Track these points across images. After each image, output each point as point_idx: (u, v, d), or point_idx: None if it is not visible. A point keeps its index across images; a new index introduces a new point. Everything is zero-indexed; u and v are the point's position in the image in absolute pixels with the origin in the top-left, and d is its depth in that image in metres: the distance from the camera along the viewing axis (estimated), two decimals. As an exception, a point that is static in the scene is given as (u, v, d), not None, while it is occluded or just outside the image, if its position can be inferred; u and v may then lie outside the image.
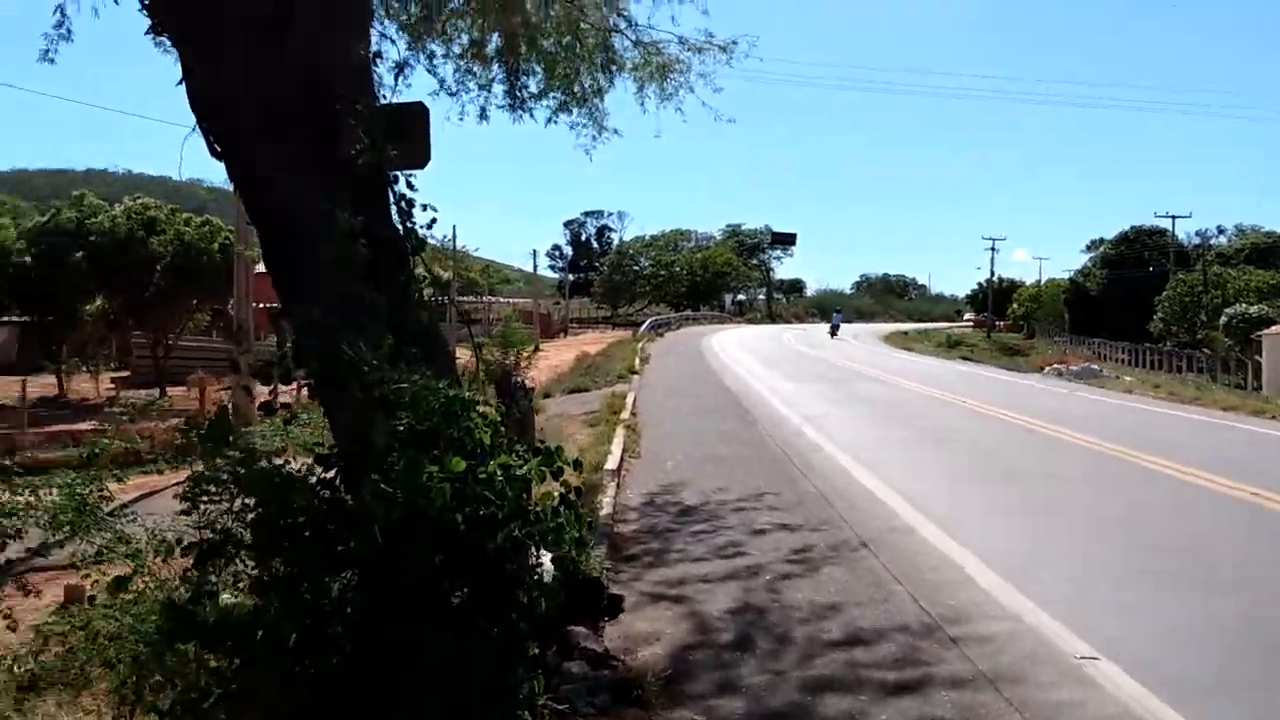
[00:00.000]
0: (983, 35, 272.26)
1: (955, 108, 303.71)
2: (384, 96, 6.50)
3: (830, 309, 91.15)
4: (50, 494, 7.80)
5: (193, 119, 5.81)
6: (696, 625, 6.96)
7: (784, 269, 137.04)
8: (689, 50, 11.70)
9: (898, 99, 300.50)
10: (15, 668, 6.33)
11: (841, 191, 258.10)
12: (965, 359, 51.76)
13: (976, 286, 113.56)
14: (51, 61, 8.65)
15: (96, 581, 7.12)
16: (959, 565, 8.53)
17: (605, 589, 6.99)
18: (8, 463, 16.55)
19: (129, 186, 77.12)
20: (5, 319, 43.73)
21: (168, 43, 6.20)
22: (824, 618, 7.11)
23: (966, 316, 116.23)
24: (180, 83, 5.77)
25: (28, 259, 35.65)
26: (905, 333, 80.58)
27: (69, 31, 8.56)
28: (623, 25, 11.41)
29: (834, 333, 68.14)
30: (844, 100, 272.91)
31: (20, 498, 7.56)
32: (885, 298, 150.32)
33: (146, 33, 6.09)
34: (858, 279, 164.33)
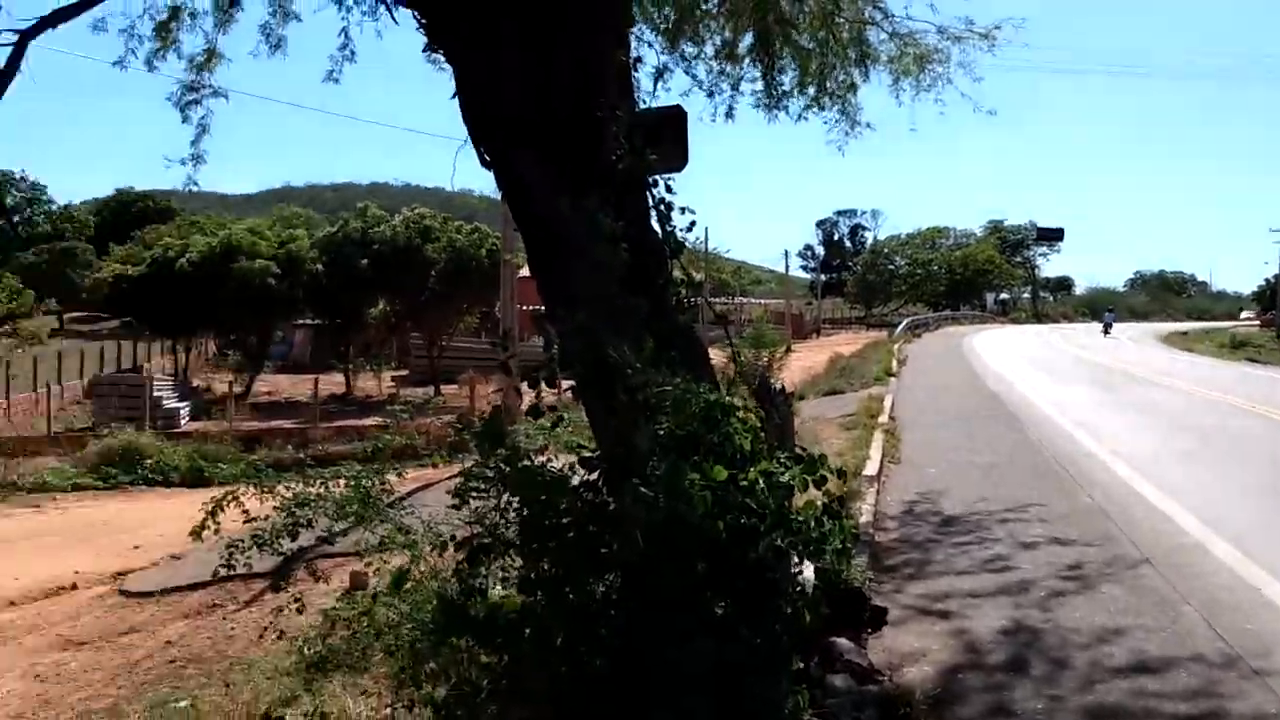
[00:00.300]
0: (1267, 15, 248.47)
1: (1239, 93, 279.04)
2: (642, 101, 6.58)
3: (1101, 308, 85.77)
4: (338, 486, 8.42)
5: (465, 131, 6.09)
6: (964, 643, 6.62)
7: (1050, 266, 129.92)
8: (948, 39, 11.20)
9: (1175, 85, 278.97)
10: (305, 649, 6.84)
11: (1113, 184, 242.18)
12: (1251, 360, 47.12)
13: (1263, 282, 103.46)
14: (336, 81, 9.32)
15: (378, 570, 7.61)
16: (1255, 587, 7.73)
17: (868, 600, 6.77)
18: (302, 456, 18.06)
19: (407, 198, 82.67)
20: (301, 322, 47.77)
21: (442, 59, 6.52)
22: (1105, 640, 6.59)
23: (1244, 315, 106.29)
24: (454, 96, 6.05)
25: (319, 267, 38.69)
26: (1184, 332, 74.41)
27: (352, 53, 9.18)
28: (878, 17, 11.08)
29: (1106, 332, 64.07)
30: (1116, 87, 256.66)
31: (312, 489, 8.21)
32: (1161, 295, 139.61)
33: (424, 50, 6.41)
34: (1131, 276, 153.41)
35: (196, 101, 8.94)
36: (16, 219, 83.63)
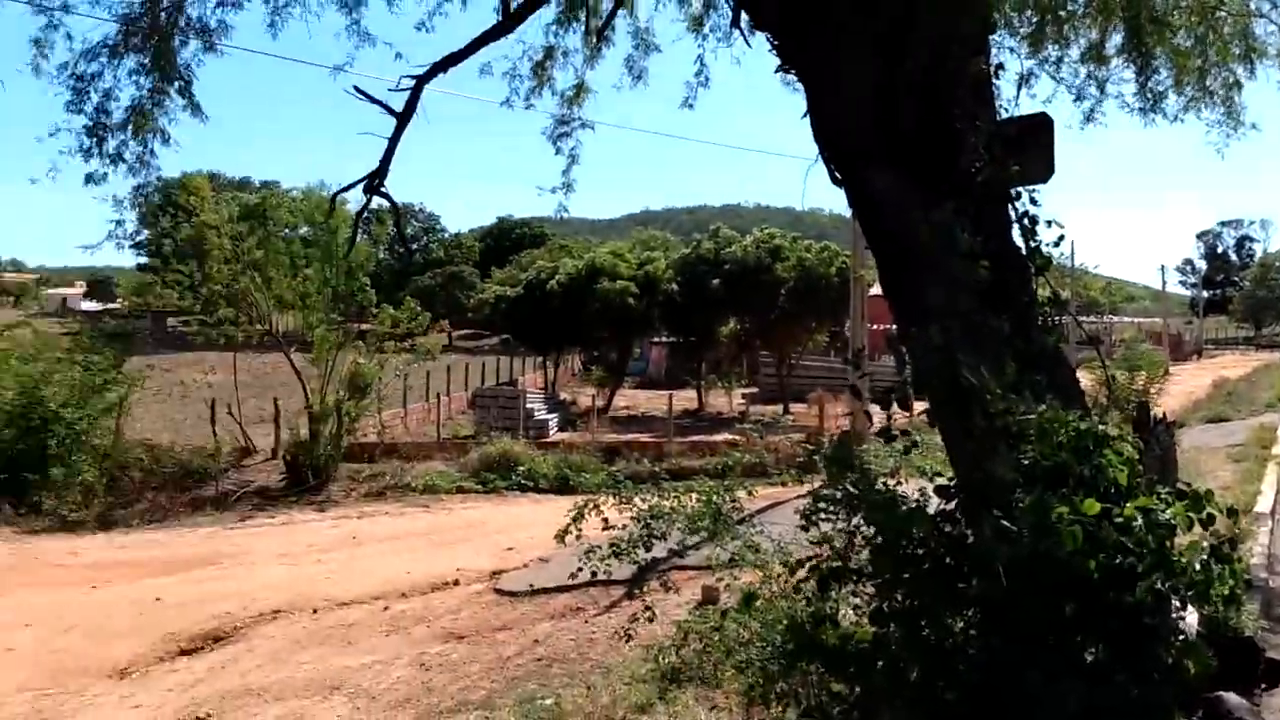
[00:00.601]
0: None
1: None
2: (1004, 109, 6.27)
3: None
4: (690, 500, 8.64)
5: (815, 150, 6.07)
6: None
7: None
8: (1351, 27, 9.83)
9: None
10: (660, 658, 7.04)
11: None
12: None
13: None
14: (691, 107, 9.68)
15: (728, 585, 7.72)
16: None
17: (1261, 652, 6.02)
18: (657, 469, 18.75)
19: (757, 218, 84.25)
20: (657, 339, 49.79)
21: (794, 79, 6.55)
22: None
23: None
24: (805, 115, 6.06)
25: (674, 287, 40.13)
26: None
27: (707, 79, 9.49)
28: (1266, 8, 9.93)
29: None
30: None
31: (666, 503, 8.48)
32: None
33: (776, 71, 6.47)
34: None
35: (567, 134, 9.60)
36: (415, 247, 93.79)
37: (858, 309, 22.99)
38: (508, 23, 7.95)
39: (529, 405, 32.86)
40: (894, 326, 5.74)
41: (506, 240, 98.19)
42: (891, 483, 4.46)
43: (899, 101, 5.54)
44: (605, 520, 9.48)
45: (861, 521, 4.15)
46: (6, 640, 10.60)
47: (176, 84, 8.30)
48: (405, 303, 27.65)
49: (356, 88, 7.59)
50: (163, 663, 10.00)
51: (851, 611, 4.65)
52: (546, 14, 9.07)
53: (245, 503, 21.77)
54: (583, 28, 9.42)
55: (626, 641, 8.00)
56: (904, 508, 3.79)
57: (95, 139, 8.17)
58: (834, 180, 5.97)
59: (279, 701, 8.32)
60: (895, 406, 4.17)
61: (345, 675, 8.86)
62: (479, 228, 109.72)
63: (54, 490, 20.12)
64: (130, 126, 8.27)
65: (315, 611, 11.56)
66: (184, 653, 10.32)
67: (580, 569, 9.64)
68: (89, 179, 8.32)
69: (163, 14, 8.15)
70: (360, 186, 8.09)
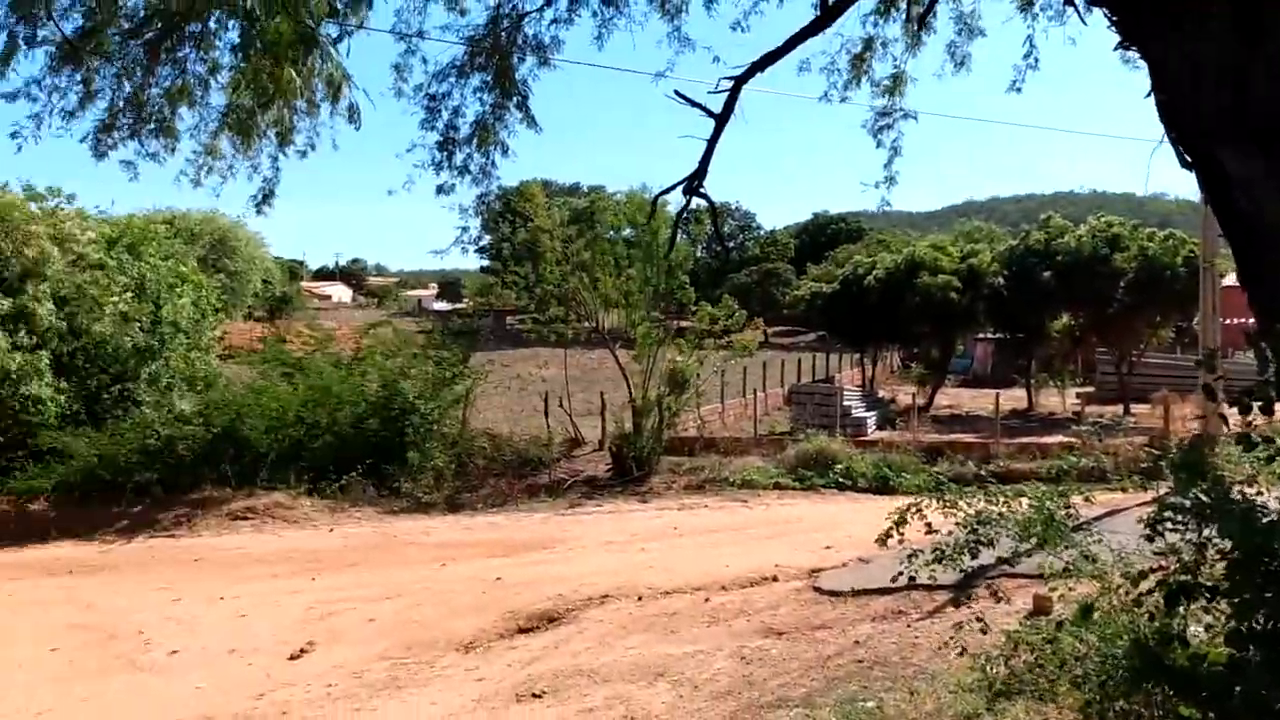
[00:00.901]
0: None
1: None
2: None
3: None
4: (1020, 506, 8.27)
5: (1160, 131, 5.63)
6: None
7: None
8: None
9: None
10: (988, 668, 6.78)
11: None
12: None
13: None
14: (1019, 91, 9.25)
15: (1062, 596, 7.33)
16: None
17: None
18: (982, 472, 18.03)
19: (1093, 205, 78.91)
20: (981, 336, 47.79)
21: (1136, 57, 6.11)
22: None
23: None
24: (1148, 95, 5.64)
25: (1000, 280, 38.36)
26: None
27: (1036, 61, 9.04)
28: None
29: None
30: None
31: (994, 507, 8.16)
32: None
33: (1115, 49, 6.07)
34: None
35: (888, 126, 9.47)
36: (732, 245, 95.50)
37: (1208, 301, 21.06)
38: (824, 17, 7.92)
39: (846, 402, 32.45)
40: (1252, 320, 5.24)
41: (822, 236, 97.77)
42: (1249, 492, 4.09)
43: (1256, 71, 5.03)
44: (928, 524, 9.25)
45: (1214, 533, 3.82)
46: (371, 612, 11.76)
47: (515, 99, 8.91)
48: (723, 300, 28.09)
49: (677, 92, 7.85)
50: (502, 639, 10.69)
51: (1202, 630, 4.29)
52: (864, 4, 8.98)
53: (575, 490, 22.94)
54: (903, 16, 9.24)
55: (960, 655, 7.72)
56: (1265, 520, 3.45)
57: (445, 153, 8.95)
58: (1182, 163, 5.52)
59: (606, 684, 8.70)
60: (1255, 409, 3.79)
61: (668, 663, 9.14)
62: (794, 224, 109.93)
63: (410, 474, 22.08)
64: (474, 140, 8.98)
65: (639, 599, 11.98)
66: (521, 631, 10.98)
67: (901, 572, 9.47)
68: (439, 190, 9.13)
69: (503, 34, 8.78)
70: (680, 188, 8.36)
